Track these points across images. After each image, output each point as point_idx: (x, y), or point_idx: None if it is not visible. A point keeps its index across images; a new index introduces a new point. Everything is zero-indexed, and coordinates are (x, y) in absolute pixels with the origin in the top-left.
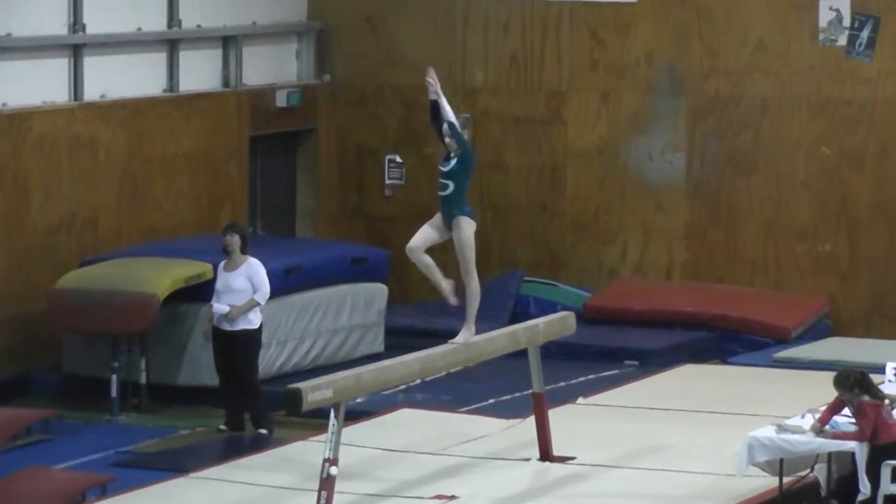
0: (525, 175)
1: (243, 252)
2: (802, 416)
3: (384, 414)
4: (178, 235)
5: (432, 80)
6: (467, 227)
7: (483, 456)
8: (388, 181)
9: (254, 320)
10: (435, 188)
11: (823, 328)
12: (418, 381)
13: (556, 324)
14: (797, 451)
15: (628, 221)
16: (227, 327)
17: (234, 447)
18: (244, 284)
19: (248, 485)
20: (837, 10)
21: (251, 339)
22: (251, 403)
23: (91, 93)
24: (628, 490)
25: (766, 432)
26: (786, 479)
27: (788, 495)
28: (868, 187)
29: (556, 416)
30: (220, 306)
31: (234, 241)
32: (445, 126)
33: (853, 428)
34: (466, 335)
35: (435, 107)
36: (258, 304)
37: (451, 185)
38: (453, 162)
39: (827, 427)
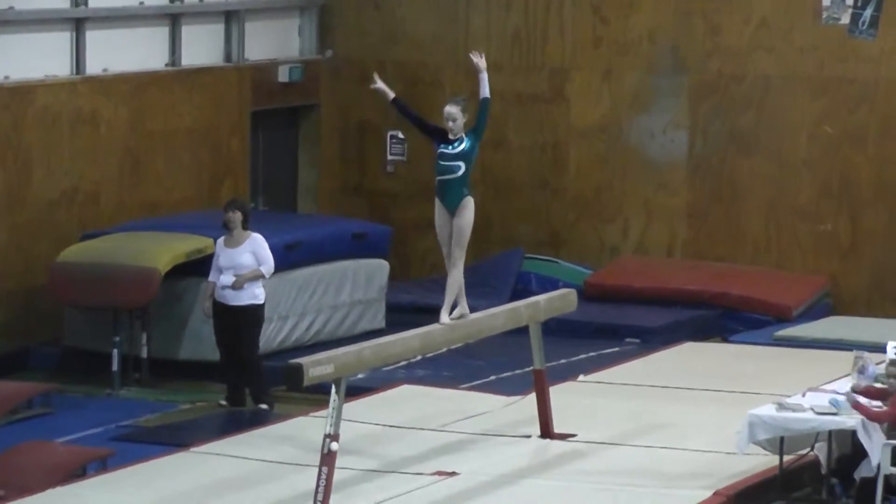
0: (527, 153)
1: (245, 228)
2: (803, 395)
3: (385, 390)
4: (180, 210)
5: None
6: (472, 208)
7: (484, 432)
8: (390, 157)
9: (258, 295)
10: (436, 172)
11: (824, 307)
12: (419, 358)
13: (558, 300)
14: (798, 429)
15: (630, 200)
16: (231, 302)
17: (235, 422)
18: (249, 260)
19: (249, 460)
20: None
21: (255, 315)
22: (252, 379)
23: (93, 67)
24: (628, 467)
25: (767, 410)
26: (786, 458)
27: (789, 473)
28: (870, 166)
29: (556, 393)
30: (225, 278)
31: (236, 217)
32: (458, 107)
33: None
34: (462, 310)
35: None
36: (263, 275)
37: (463, 167)
38: (464, 143)
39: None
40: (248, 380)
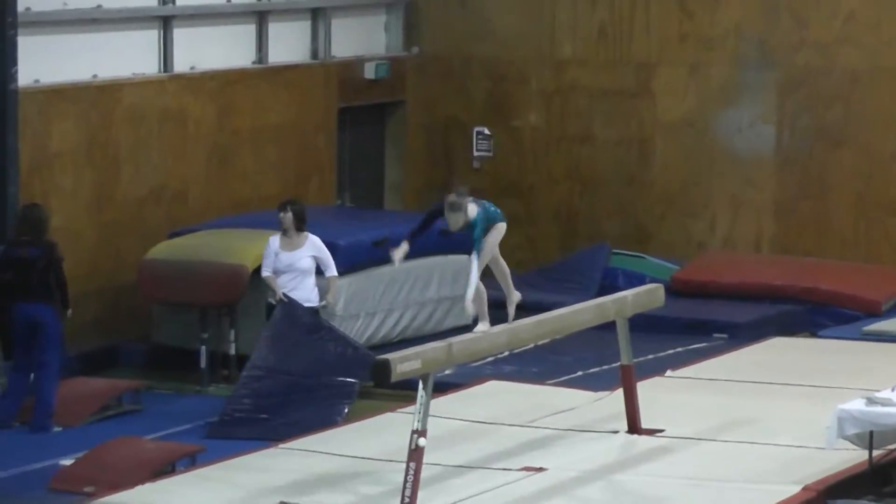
0: (613, 148)
1: (300, 229)
2: (892, 389)
3: (472, 386)
4: (267, 207)
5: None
6: (501, 230)
7: (571, 428)
8: (476, 153)
9: (313, 298)
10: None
11: None
12: (506, 353)
13: (645, 296)
14: (887, 423)
15: (717, 194)
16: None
17: (322, 418)
18: (307, 264)
19: (337, 456)
20: None
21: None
22: None
23: (181, 64)
24: (716, 463)
25: (856, 405)
26: (876, 452)
27: (878, 468)
28: None
29: (644, 388)
30: (288, 281)
31: (287, 217)
32: (458, 212)
33: None
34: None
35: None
36: (336, 281)
37: (478, 229)
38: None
39: None
40: None
